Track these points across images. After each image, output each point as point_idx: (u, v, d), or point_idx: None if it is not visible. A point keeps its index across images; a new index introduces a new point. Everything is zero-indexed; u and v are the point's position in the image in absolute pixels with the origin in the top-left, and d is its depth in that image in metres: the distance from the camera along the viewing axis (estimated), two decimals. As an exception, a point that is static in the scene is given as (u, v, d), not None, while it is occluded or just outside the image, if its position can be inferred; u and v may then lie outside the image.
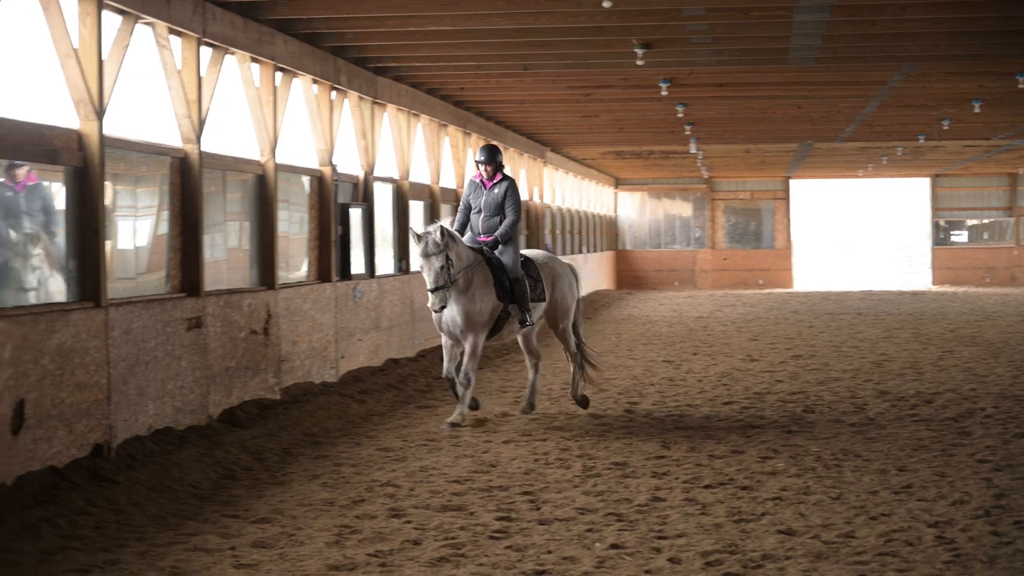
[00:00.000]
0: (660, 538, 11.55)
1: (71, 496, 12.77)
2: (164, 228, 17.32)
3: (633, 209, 65.57)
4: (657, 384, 23.10)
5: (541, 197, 44.17)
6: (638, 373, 24.87)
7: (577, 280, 20.60)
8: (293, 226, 22.19)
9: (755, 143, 46.75)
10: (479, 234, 18.70)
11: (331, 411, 18.65)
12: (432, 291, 17.57)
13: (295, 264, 22.19)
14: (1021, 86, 26.92)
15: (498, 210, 18.66)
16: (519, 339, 19.91)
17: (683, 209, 65.21)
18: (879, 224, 68.97)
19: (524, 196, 41.56)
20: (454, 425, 17.79)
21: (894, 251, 71.62)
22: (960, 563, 10.60)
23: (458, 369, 18.39)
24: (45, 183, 14.63)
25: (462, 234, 18.70)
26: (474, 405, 18.81)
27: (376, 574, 10.34)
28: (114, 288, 15.41)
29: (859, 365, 25.92)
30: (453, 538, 11.54)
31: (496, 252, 18.53)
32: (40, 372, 13.33)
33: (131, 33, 15.71)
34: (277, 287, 20.13)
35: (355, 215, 24.40)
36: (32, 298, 14.40)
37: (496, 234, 18.51)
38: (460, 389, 18.16)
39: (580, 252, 53.49)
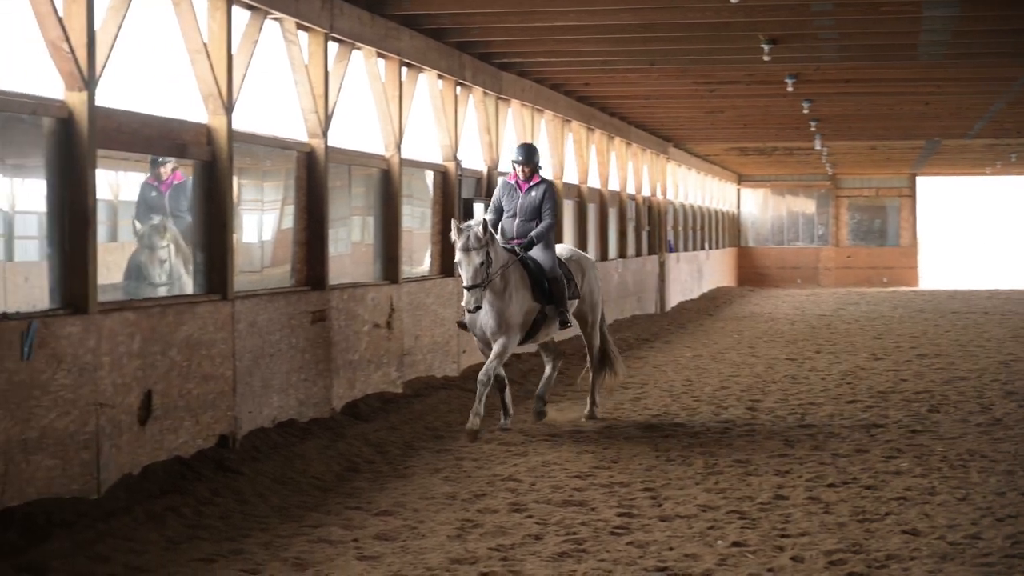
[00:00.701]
0: (783, 536, 11.49)
1: (197, 486, 12.91)
2: (289, 222, 17.45)
3: (756, 206, 65.26)
4: (780, 382, 22.99)
5: (664, 193, 44.01)
6: (760, 371, 24.76)
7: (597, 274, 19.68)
8: (416, 221, 22.28)
9: (881, 140, 46.39)
10: (511, 239, 17.50)
11: (452, 405, 18.72)
12: (469, 288, 16.34)
13: (418, 259, 22.29)
14: None
15: (535, 214, 17.51)
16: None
17: (806, 206, 64.79)
18: (1007, 223, 68.02)
19: (647, 192, 41.46)
20: (474, 432, 16.34)
21: (1022, 250, 70.70)
22: None
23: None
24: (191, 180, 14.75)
25: None
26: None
27: (497, 568, 10.36)
28: (240, 281, 15.53)
29: (985, 365, 25.66)
30: (574, 533, 11.54)
31: (530, 253, 17.38)
32: (168, 363, 13.48)
33: (260, 28, 15.84)
34: (400, 281, 20.21)
35: (478, 210, 24.43)
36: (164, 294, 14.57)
37: (532, 234, 17.32)
38: (479, 388, 16.54)
39: (702, 249, 53.30)
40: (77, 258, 12.14)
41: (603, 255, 35.17)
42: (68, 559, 10.23)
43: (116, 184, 15.33)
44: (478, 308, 16.51)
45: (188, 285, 14.63)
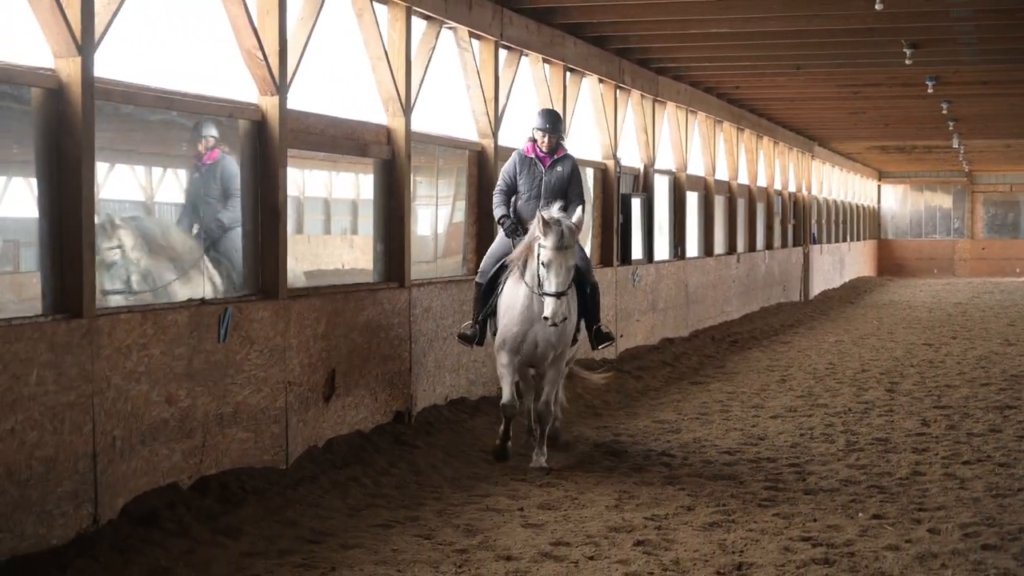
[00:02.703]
0: (920, 510, 11.37)
1: (375, 458, 13.05)
2: (460, 216, 17.55)
3: (895, 201, 64.57)
4: (917, 365, 22.70)
5: (808, 189, 43.67)
6: (899, 355, 24.47)
7: None
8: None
9: (1016, 138, 45.67)
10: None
11: (610, 386, 18.70)
12: (557, 296, 12.38)
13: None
14: None
15: (560, 194, 13.50)
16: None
17: (943, 201, 63.98)
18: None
19: (792, 188, 41.18)
20: (544, 470, 12.95)
21: None
22: None
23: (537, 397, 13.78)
24: (230, 159, 12.62)
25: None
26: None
27: (652, 536, 10.34)
28: (416, 270, 15.63)
29: (1115, 351, 25.16)
30: (724, 505, 11.50)
31: None
32: (350, 345, 13.61)
33: (436, 36, 15.94)
34: (565, 269, 20.21)
35: (635, 205, 24.42)
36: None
37: (575, 221, 12.73)
38: (542, 427, 13.38)
39: (844, 241, 52.79)
40: (268, 248, 12.30)
41: (751, 247, 35.01)
42: (259, 523, 10.40)
43: (302, 182, 15.50)
44: (565, 320, 12.70)
45: (179, 292, 11.93)
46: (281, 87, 12.29)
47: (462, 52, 16.94)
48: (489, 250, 14.26)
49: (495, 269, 13.67)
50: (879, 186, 63.85)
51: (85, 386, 9.63)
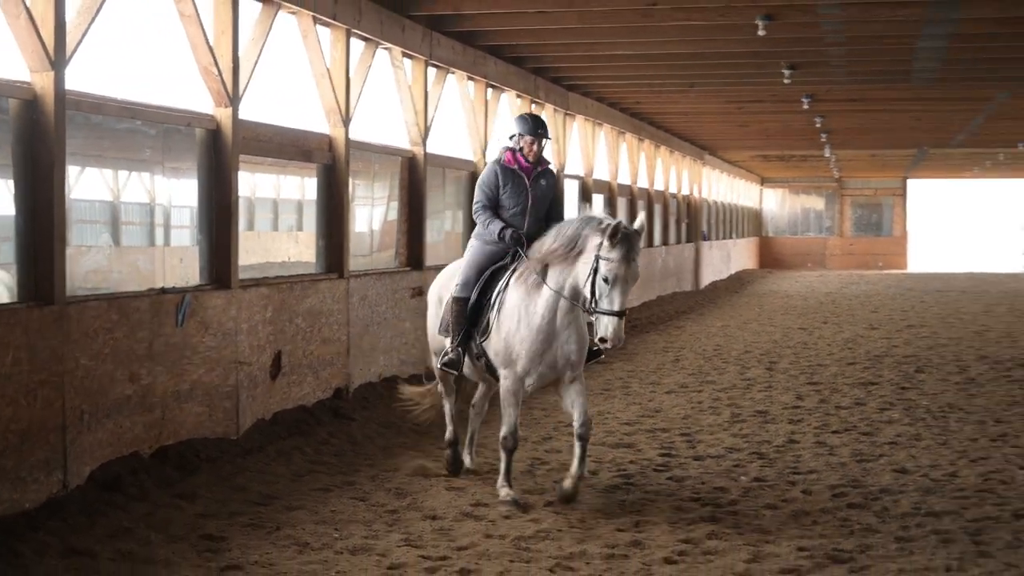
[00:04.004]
0: (795, 473, 11.43)
1: (317, 429, 12.97)
2: (394, 215, 17.47)
3: (775, 203, 64.94)
4: (793, 347, 22.82)
5: (700, 192, 43.82)
6: (777, 338, 24.58)
7: None
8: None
9: (879, 149, 46.10)
10: None
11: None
12: (621, 316, 9.63)
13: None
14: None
15: (544, 211, 10.68)
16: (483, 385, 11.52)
17: (817, 203, 64.42)
18: (983, 217, 67.39)
19: (686, 191, 41.29)
20: (568, 498, 10.08)
21: (995, 240, 69.90)
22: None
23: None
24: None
25: None
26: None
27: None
28: (353, 263, 15.54)
29: (962, 334, 25.38)
30: (624, 470, 11.52)
31: None
32: (294, 329, 13.50)
33: (373, 56, 15.83)
34: (485, 263, 20.18)
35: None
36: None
37: None
38: (581, 451, 10.15)
39: (730, 238, 53.02)
40: (221, 243, 12.17)
41: (650, 243, 35.07)
42: (213, 488, 10.32)
43: (253, 184, 15.39)
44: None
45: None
46: (234, 99, 12.17)
47: (396, 70, 16.84)
48: (467, 262, 10.73)
49: (482, 281, 10.55)
50: (761, 190, 64.18)
51: (56, 366, 9.51)
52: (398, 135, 17.56)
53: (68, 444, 9.66)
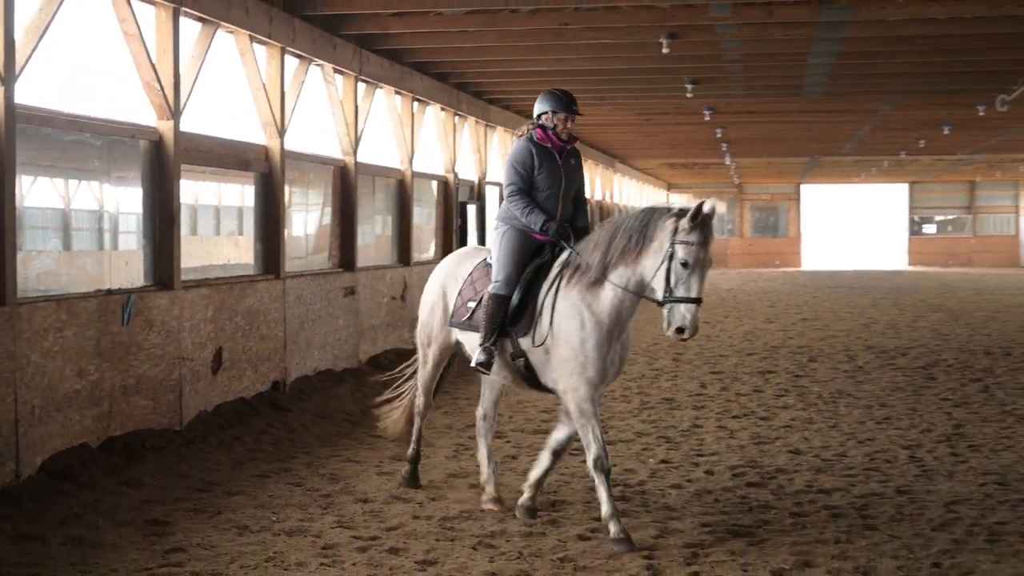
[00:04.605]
0: (699, 455, 11.51)
1: (255, 420, 12.87)
2: (327, 220, 17.39)
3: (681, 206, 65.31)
4: (697, 339, 22.92)
5: (612, 197, 43.99)
6: (683, 331, 24.69)
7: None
8: (424, 218, 22.21)
9: (775, 157, 46.47)
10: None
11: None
12: (700, 303, 8.34)
13: (425, 247, 22.21)
14: (980, 114, 26.60)
15: (574, 193, 9.33)
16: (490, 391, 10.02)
17: (719, 207, 64.65)
18: (870, 219, 68.05)
19: (599, 196, 41.43)
20: (622, 541, 8.20)
21: (880, 240, 70.55)
22: (927, 476, 10.48)
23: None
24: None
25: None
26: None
27: (483, 482, 10.32)
28: (290, 264, 15.46)
29: (851, 326, 25.65)
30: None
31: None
32: (234, 327, 13.39)
33: (306, 72, 15.75)
34: (411, 264, 20.16)
35: (471, 210, 24.42)
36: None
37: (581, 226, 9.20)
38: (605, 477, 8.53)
39: (641, 238, 53.24)
40: (165, 247, 12.05)
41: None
42: (158, 476, 10.23)
43: (196, 192, 15.26)
44: None
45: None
46: (175, 113, 12.04)
47: (328, 85, 16.77)
48: (505, 253, 9.00)
49: (528, 276, 8.89)
50: (668, 195, 64.51)
51: (8, 363, 9.36)
52: (331, 145, 17.49)
53: (20, 436, 9.52)
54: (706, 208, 8.41)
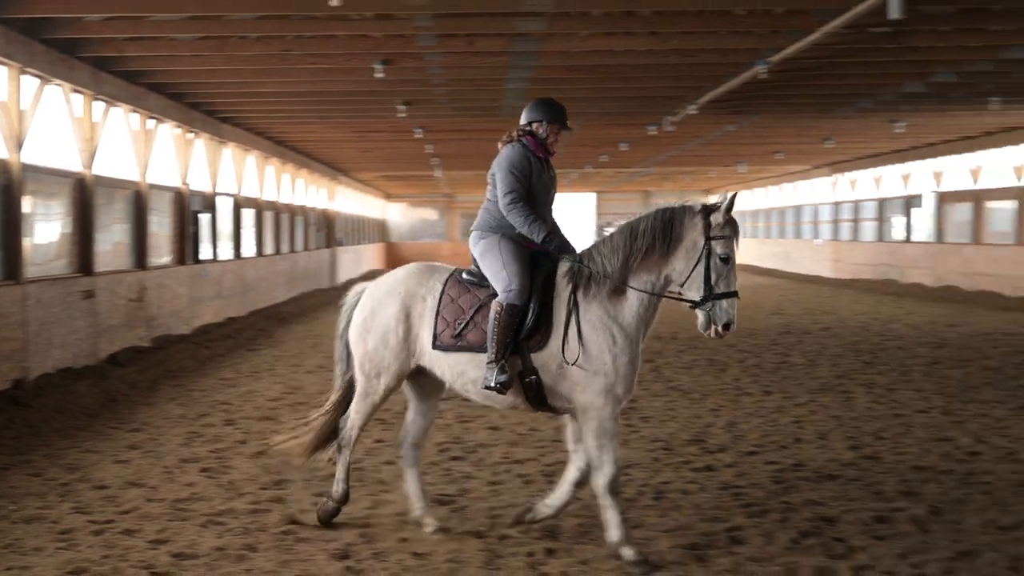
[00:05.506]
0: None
1: (-2, 415, 12.29)
2: (67, 228, 16.71)
3: (398, 214, 65.42)
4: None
5: (335, 206, 43.73)
6: (400, 325, 24.74)
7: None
8: (161, 226, 21.62)
9: (479, 169, 46.98)
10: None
11: (186, 354, 18.21)
12: (738, 296, 7.30)
13: (161, 252, 21.61)
14: (651, 133, 27.57)
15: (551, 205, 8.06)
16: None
17: (432, 214, 65.30)
18: (566, 222, 69.93)
19: (324, 205, 41.15)
20: (640, 564, 7.08)
21: (575, 241, 72.45)
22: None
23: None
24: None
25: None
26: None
27: (214, 464, 10.13)
28: (32, 270, 14.81)
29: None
30: (267, 438, 11.30)
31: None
32: (-25, 328, 12.75)
33: (42, 90, 15.11)
34: (148, 268, 19.60)
35: (204, 219, 23.89)
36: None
37: (561, 241, 7.67)
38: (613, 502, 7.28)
39: (361, 243, 53.15)
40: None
41: (293, 248, 34.77)
42: (-102, 471, 9.63)
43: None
44: None
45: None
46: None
47: (67, 103, 16.13)
48: (509, 262, 7.62)
49: (537, 287, 7.53)
50: (386, 203, 64.61)
51: None
52: (72, 159, 16.84)
53: None
54: (732, 200, 7.20)
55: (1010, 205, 31.68)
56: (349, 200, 49.38)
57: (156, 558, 7.35)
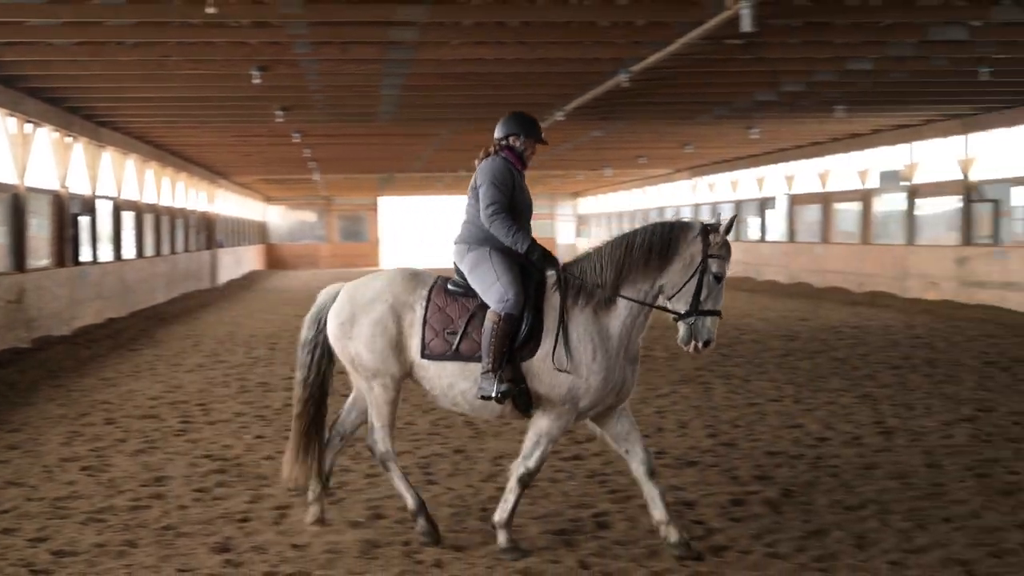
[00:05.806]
0: (287, 431, 11.37)
1: None
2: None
3: (278, 216, 64.71)
4: (291, 331, 22.74)
5: (215, 208, 43.12)
6: (279, 324, 24.49)
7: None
8: (40, 228, 21.10)
9: (355, 173, 46.89)
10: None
11: (66, 354, 17.77)
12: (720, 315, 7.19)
13: (41, 255, 21.10)
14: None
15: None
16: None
17: (311, 216, 64.74)
18: (441, 224, 69.84)
19: (204, 208, 40.53)
20: (685, 546, 7.12)
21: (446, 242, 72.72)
22: (479, 437, 10.76)
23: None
24: None
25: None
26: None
27: (94, 463, 9.90)
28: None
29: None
30: (148, 436, 11.15)
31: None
32: None
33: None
34: (27, 270, 19.11)
35: (84, 221, 23.36)
36: None
37: (541, 251, 7.35)
38: (659, 490, 7.26)
39: (241, 245, 52.47)
40: None
41: (174, 250, 34.17)
42: None
43: None
44: None
45: None
46: None
47: (-59, 106, 15.65)
48: (502, 272, 7.29)
49: (526, 296, 7.27)
50: (266, 206, 63.86)
51: None
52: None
53: None
54: (732, 221, 7.18)
55: (855, 207, 32.64)
56: (229, 203, 48.73)
57: (35, 556, 7.17)
